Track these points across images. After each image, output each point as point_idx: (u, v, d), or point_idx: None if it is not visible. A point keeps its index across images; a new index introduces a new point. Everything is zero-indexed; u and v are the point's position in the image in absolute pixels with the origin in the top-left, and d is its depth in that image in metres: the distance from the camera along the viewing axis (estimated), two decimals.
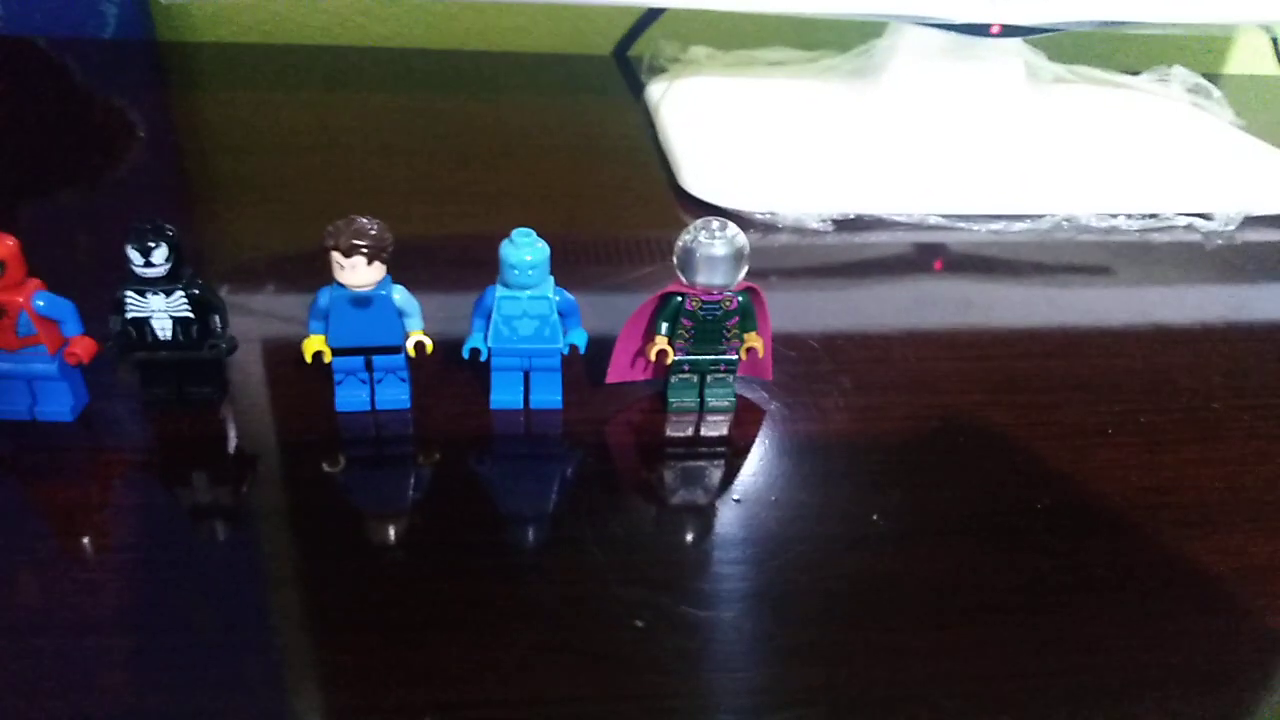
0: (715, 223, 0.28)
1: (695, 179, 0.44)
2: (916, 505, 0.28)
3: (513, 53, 0.63)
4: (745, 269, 0.29)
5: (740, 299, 0.29)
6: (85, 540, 0.26)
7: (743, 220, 0.42)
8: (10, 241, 0.26)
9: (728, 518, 0.28)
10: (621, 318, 0.30)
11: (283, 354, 0.32)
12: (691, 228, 0.28)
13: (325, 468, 0.29)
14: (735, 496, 0.28)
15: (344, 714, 0.22)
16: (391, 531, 0.27)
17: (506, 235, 0.28)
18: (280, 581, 0.25)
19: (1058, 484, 0.29)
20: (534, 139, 0.50)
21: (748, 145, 0.46)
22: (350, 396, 0.29)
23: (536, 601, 0.25)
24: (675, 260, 0.29)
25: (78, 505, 0.27)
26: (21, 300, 0.26)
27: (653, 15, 0.61)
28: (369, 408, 0.30)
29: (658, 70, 0.56)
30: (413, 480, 0.29)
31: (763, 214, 0.43)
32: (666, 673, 0.23)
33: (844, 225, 0.43)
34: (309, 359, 0.28)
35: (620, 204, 0.45)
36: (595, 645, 0.24)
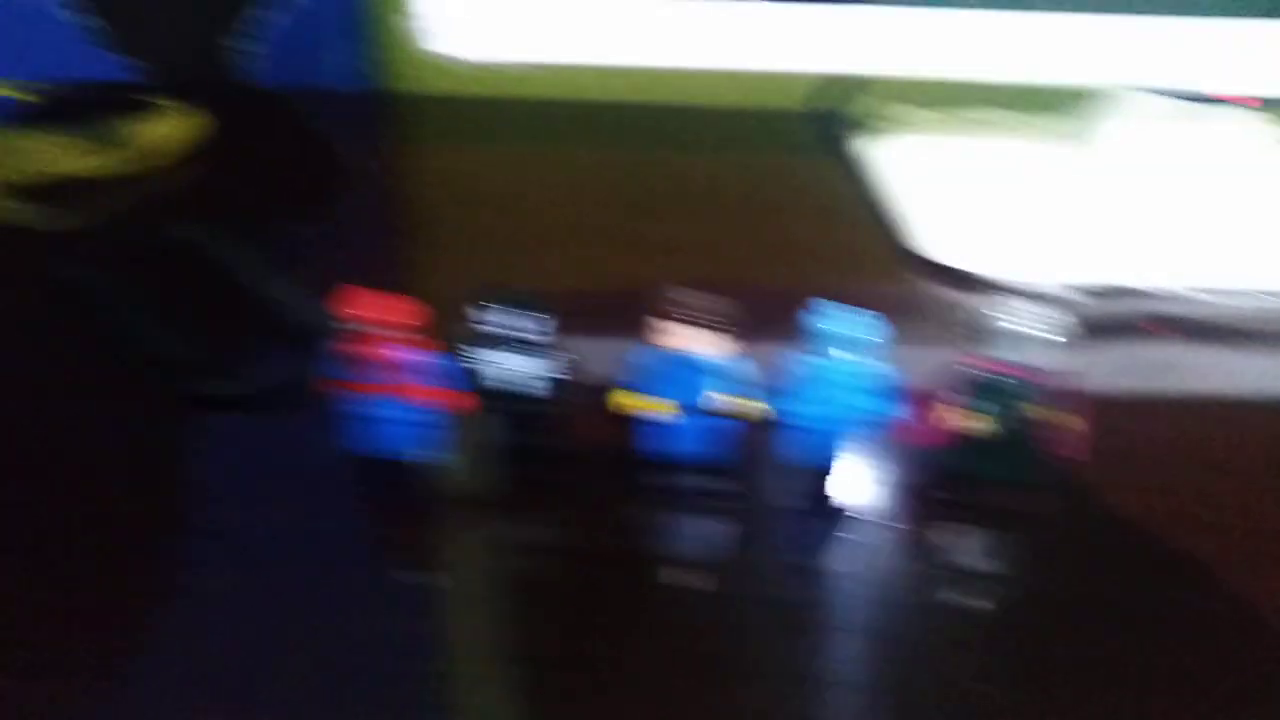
0: (1028, 301, 0.30)
1: (929, 241, 0.46)
2: (1233, 586, 0.29)
3: (706, 107, 0.66)
4: (1059, 343, 0.30)
5: (1050, 374, 0.31)
6: (435, 572, 0.29)
7: (980, 284, 0.44)
8: (403, 301, 0.29)
9: (1047, 592, 0.29)
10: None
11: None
12: (1004, 303, 0.30)
13: (638, 514, 0.31)
14: (1048, 573, 0.30)
15: None
16: (708, 578, 0.29)
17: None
18: (622, 622, 0.28)
19: None
20: (739, 193, 0.53)
21: (978, 206, 0.47)
22: (668, 448, 0.32)
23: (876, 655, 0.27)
24: (985, 333, 0.31)
25: (425, 543, 0.31)
26: (424, 357, 0.30)
27: (851, 77, 0.63)
28: (683, 460, 0.32)
29: (863, 128, 0.58)
30: (716, 530, 0.31)
31: (999, 278, 0.44)
32: None
33: (1086, 294, 0.44)
34: (630, 414, 0.31)
35: (844, 262, 0.47)
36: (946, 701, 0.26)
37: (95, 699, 0.25)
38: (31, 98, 0.63)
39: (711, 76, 0.67)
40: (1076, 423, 0.31)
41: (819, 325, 0.30)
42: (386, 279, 0.43)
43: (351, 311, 0.29)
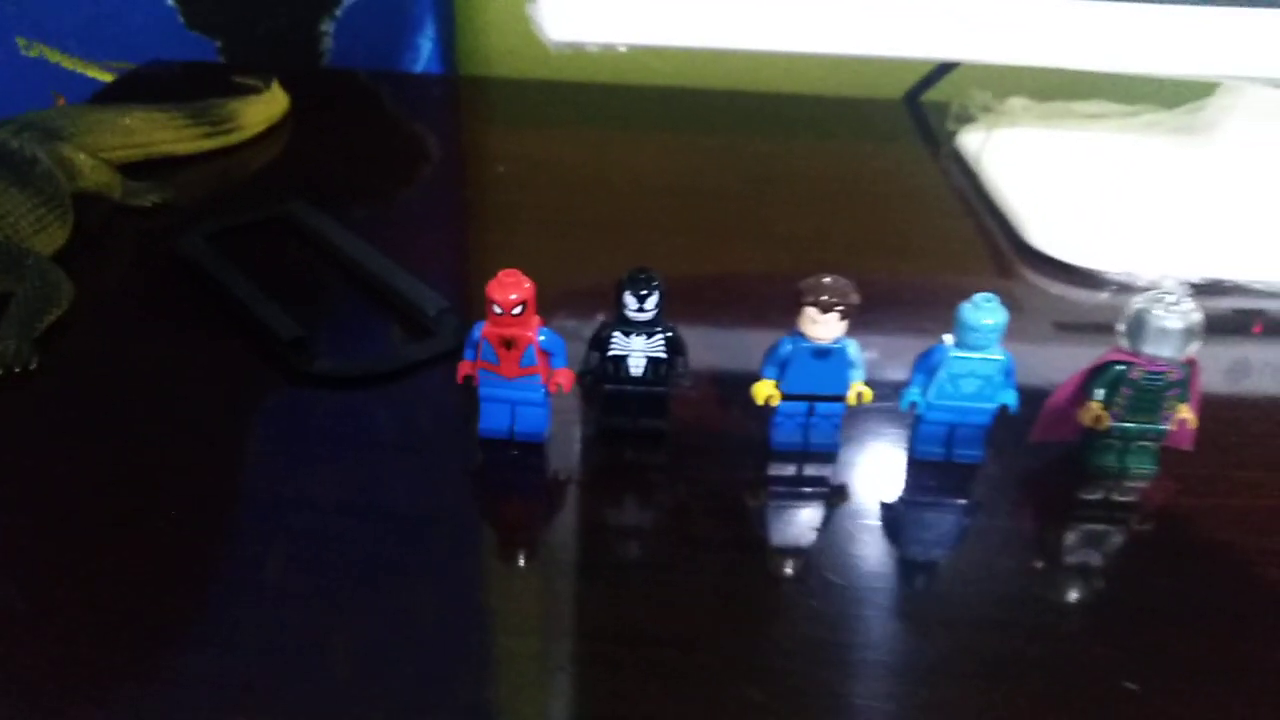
0: (1170, 294, 0.29)
1: (1045, 235, 0.44)
2: None
3: (792, 94, 0.65)
4: (1195, 344, 0.29)
5: (1183, 371, 0.29)
6: (529, 559, 0.29)
7: (1096, 279, 0.42)
8: (528, 284, 0.29)
9: (1176, 590, 0.28)
10: None
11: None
12: (1144, 297, 0.29)
13: (753, 504, 0.31)
14: (1178, 567, 0.29)
15: None
16: (816, 588, 0.28)
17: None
18: (725, 602, 0.27)
19: None
20: (841, 182, 0.52)
21: (1095, 202, 0.46)
22: (787, 436, 0.31)
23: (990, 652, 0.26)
24: (1123, 327, 0.30)
25: (535, 521, 0.30)
26: (531, 335, 0.29)
27: (949, 65, 0.62)
28: (801, 447, 0.32)
29: (968, 119, 0.56)
30: (836, 528, 0.30)
31: (1118, 273, 0.43)
32: None
33: (1201, 290, 0.42)
34: (761, 402, 0.30)
35: (951, 254, 0.45)
36: (1078, 701, 0.25)
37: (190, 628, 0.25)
38: (109, 77, 0.64)
39: (811, 63, 0.66)
40: (1191, 416, 0.30)
41: (962, 316, 0.29)
42: (475, 261, 0.44)
43: (491, 294, 0.28)
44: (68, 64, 0.67)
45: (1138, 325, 0.29)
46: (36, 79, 0.67)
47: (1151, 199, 0.46)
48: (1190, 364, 0.30)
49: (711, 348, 0.36)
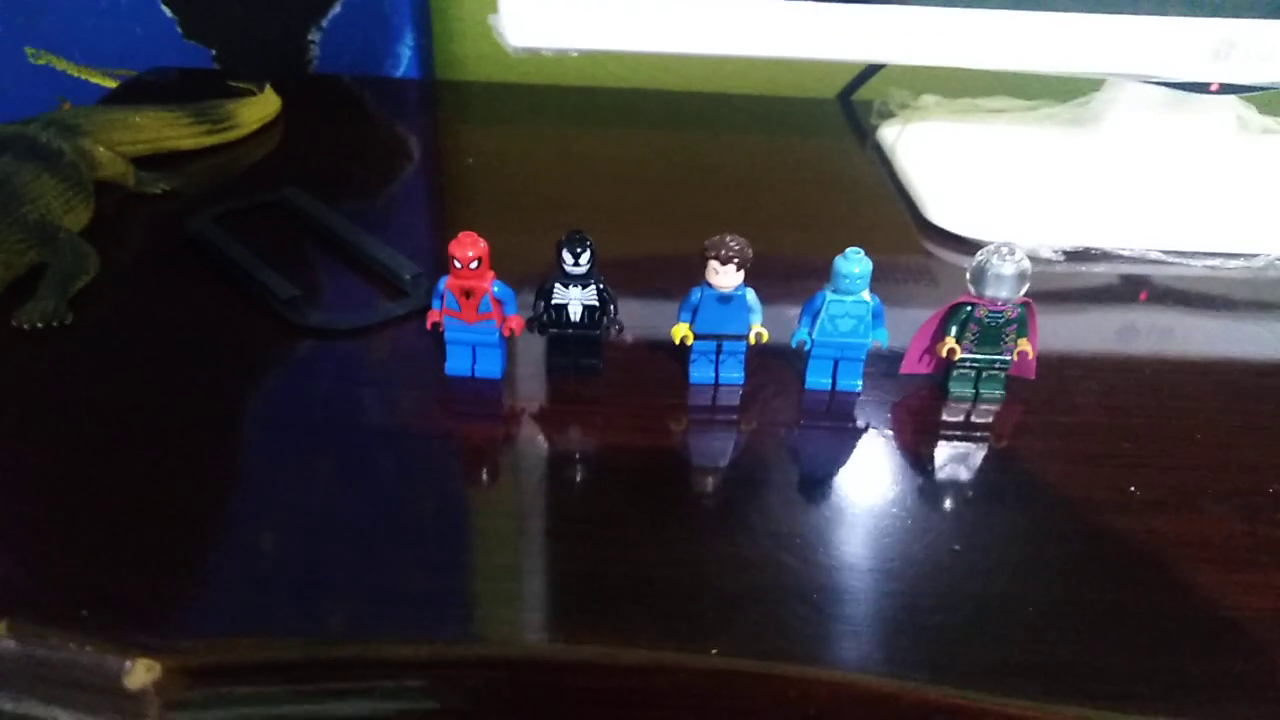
0: (1005, 247, 0.36)
1: (940, 212, 0.51)
2: (1167, 482, 0.35)
3: (738, 94, 0.71)
4: (1026, 286, 0.36)
5: (1019, 310, 0.36)
6: (489, 466, 0.35)
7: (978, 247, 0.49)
8: (483, 243, 0.35)
9: (1007, 484, 0.35)
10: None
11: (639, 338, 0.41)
12: (985, 250, 0.36)
13: (673, 426, 0.37)
14: (1012, 469, 0.35)
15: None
16: (714, 483, 0.35)
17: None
18: (638, 492, 0.33)
19: None
20: (763, 171, 0.58)
21: (985, 183, 0.52)
22: (701, 372, 0.38)
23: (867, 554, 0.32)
24: (969, 275, 0.36)
25: (494, 439, 0.37)
26: (486, 286, 0.36)
27: (877, 66, 0.68)
28: (713, 382, 0.38)
29: (888, 115, 0.63)
30: (737, 442, 0.37)
31: (1000, 243, 0.49)
32: (959, 597, 0.30)
33: (1073, 256, 0.49)
34: (677, 341, 0.37)
35: (863, 231, 0.52)
36: (917, 556, 0.31)
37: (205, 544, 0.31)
38: (111, 83, 0.70)
39: (748, 65, 0.73)
40: (1030, 348, 0.37)
41: (836, 266, 0.35)
42: (444, 235, 0.50)
43: (452, 251, 0.35)
44: (73, 71, 0.72)
45: (980, 273, 0.36)
46: (43, 85, 0.73)
47: (1042, 179, 0.53)
48: (1027, 304, 0.36)
49: (644, 304, 0.43)
